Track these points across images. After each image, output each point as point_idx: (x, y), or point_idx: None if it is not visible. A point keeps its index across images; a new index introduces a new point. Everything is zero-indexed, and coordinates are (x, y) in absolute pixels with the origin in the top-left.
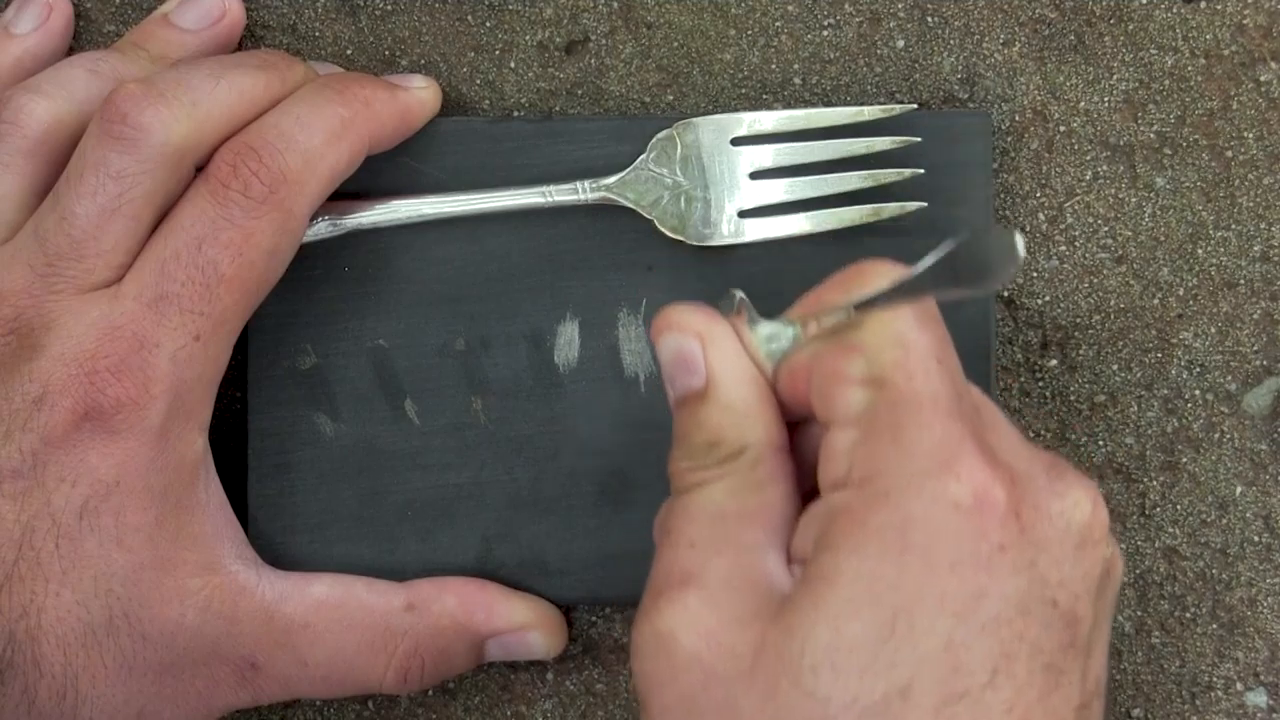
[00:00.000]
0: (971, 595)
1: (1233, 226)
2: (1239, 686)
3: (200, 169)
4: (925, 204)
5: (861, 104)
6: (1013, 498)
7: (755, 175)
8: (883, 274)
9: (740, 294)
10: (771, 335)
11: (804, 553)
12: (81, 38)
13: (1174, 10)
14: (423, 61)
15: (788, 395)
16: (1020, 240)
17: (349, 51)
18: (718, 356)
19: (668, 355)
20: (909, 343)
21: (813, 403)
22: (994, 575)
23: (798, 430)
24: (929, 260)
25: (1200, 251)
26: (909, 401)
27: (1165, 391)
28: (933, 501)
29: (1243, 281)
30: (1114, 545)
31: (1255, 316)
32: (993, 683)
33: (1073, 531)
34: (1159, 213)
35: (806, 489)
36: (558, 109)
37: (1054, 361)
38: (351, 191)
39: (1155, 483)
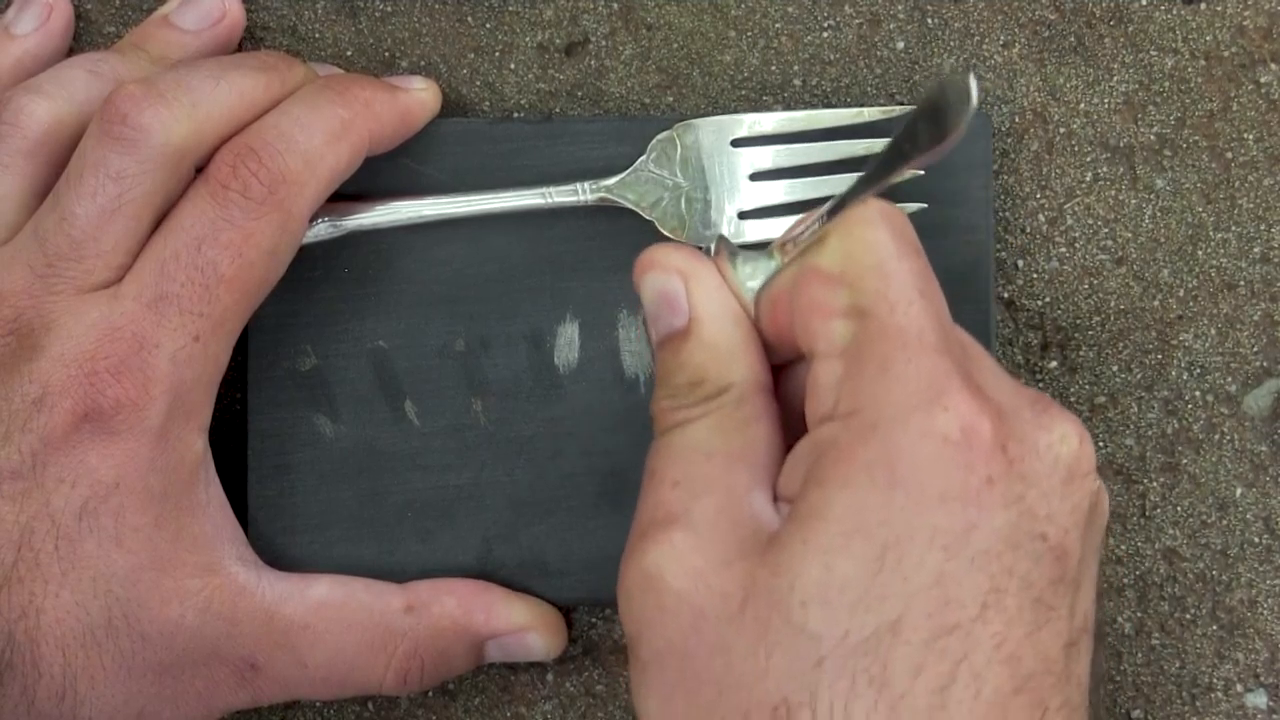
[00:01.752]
0: (961, 529)
1: (1233, 228)
2: (1239, 688)
3: (200, 170)
4: (925, 205)
5: (861, 105)
6: (1000, 431)
7: (755, 176)
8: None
9: (722, 233)
10: (753, 270)
11: (791, 491)
12: (81, 38)
13: (1174, 12)
14: (423, 63)
15: (771, 330)
16: (974, 82)
17: (349, 53)
18: (700, 295)
19: (650, 294)
20: (889, 273)
21: (796, 335)
22: (983, 509)
23: (784, 374)
24: (889, 142)
25: (1200, 253)
26: (894, 334)
27: (1165, 393)
28: (920, 435)
29: (1243, 283)
30: (1100, 480)
31: (1255, 318)
32: (982, 616)
33: (1060, 465)
34: (1159, 214)
35: (792, 434)
36: (558, 110)
37: (1054, 363)
38: (351, 192)
39: (1155, 484)
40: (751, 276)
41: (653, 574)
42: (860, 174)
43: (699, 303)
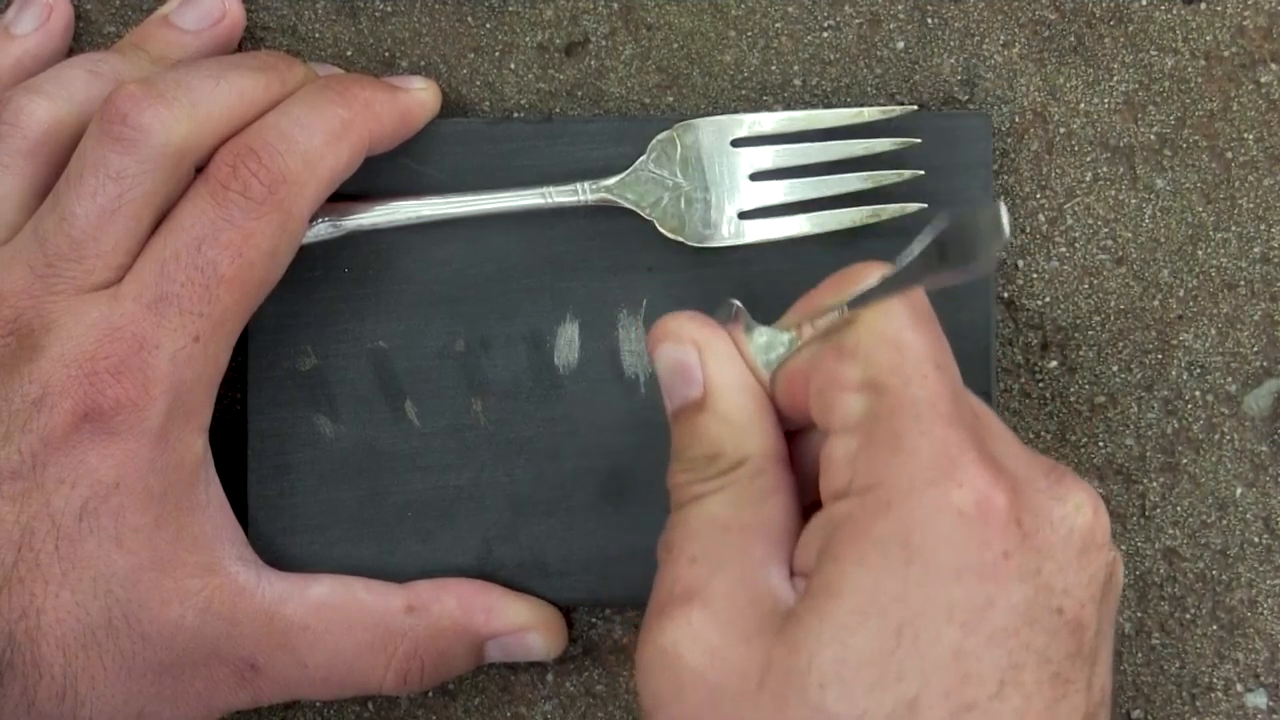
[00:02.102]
0: (978, 605)
1: (1233, 228)
2: (1239, 688)
3: (200, 170)
4: (925, 205)
5: (861, 105)
6: (1014, 504)
7: (755, 176)
8: (875, 273)
9: (737, 303)
10: (768, 342)
11: (807, 565)
12: (81, 38)
13: (1174, 12)
14: (423, 63)
15: (786, 403)
16: (1005, 212)
17: (349, 53)
18: (715, 366)
19: (665, 365)
20: (904, 345)
21: (811, 410)
22: (999, 584)
23: (797, 440)
24: (917, 247)
25: (1200, 253)
26: (908, 408)
27: (1165, 393)
28: (935, 510)
29: (1243, 283)
30: (1115, 550)
31: (1255, 318)
32: (1001, 693)
33: (1075, 537)
34: (1159, 214)
35: (807, 502)
36: (558, 110)
37: (1054, 363)
38: (351, 193)
39: (1155, 484)
40: (766, 348)
41: (670, 651)
42: (884, 276)
43: (714, 374)
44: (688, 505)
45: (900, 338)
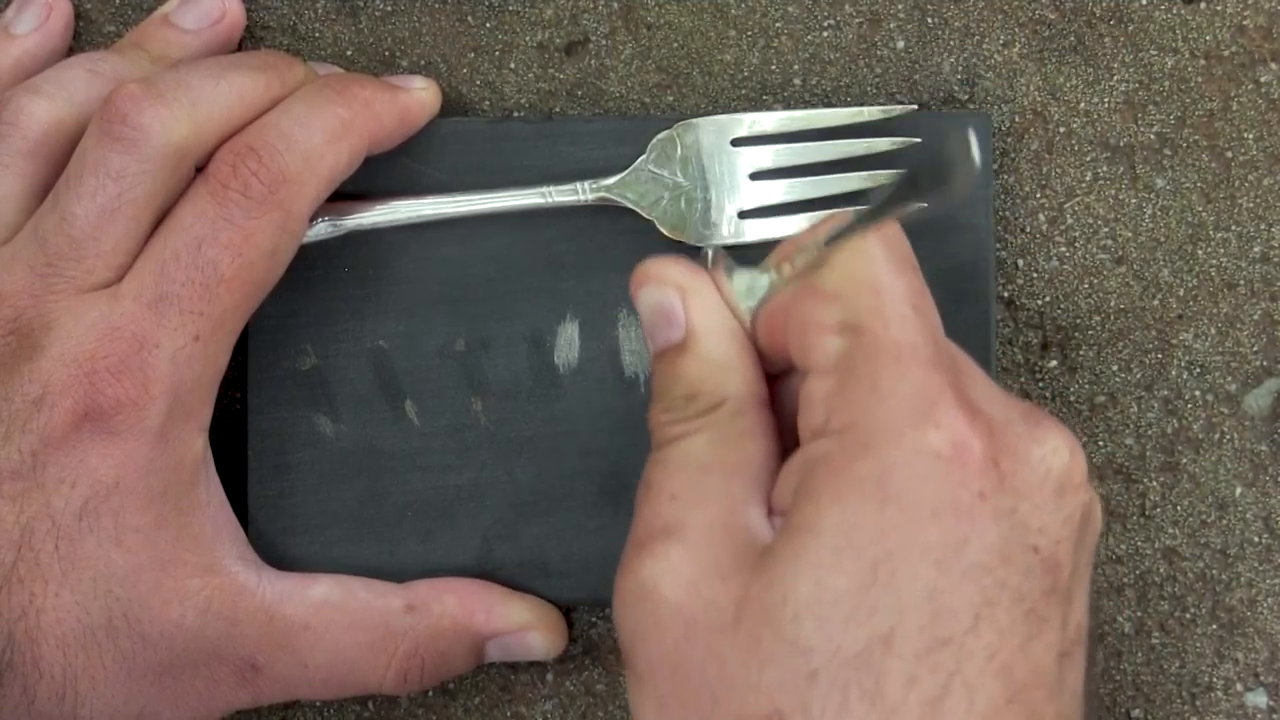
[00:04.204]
0: (953, 543)
1: (1233, 227)
2: (1239, 687)
3: (200, 169)
4: (925, 205)
5: (861, 105)
6: (991, 446)
7: (755, 176)
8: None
9: (719, 246)
10: (749, 284)
11: (784, 504)
12: (81, 38)
13: (1174, 11)
14: (423, 62)
15: (766, 344)
16: (974, 139)
17: (349, 52)
18: (697, 308)
19: (647, 308)
20: (883, 287)
21: (790, 351)
22: (975, 523)
23: (778, 384)
24: (892, 184)
25: (1200, 252)
26: (886, 349)
27: (1165, 392)
28: (912, 450)
29: (1243, 282)
30: (1092, 492)
31: (1255, 317)
32: (975, 629)
33: (1052, 477)
34: (1159, 214)
35: (788, 446)
36: (558, 110)
37: (1054, 362)
38: (351, 192)
39: (1155, 483)
40: (748, 291)
41: (648, 586)
42: (861, 209)
43: (695, 316)
44: (668, 444)
45: (879, 280)
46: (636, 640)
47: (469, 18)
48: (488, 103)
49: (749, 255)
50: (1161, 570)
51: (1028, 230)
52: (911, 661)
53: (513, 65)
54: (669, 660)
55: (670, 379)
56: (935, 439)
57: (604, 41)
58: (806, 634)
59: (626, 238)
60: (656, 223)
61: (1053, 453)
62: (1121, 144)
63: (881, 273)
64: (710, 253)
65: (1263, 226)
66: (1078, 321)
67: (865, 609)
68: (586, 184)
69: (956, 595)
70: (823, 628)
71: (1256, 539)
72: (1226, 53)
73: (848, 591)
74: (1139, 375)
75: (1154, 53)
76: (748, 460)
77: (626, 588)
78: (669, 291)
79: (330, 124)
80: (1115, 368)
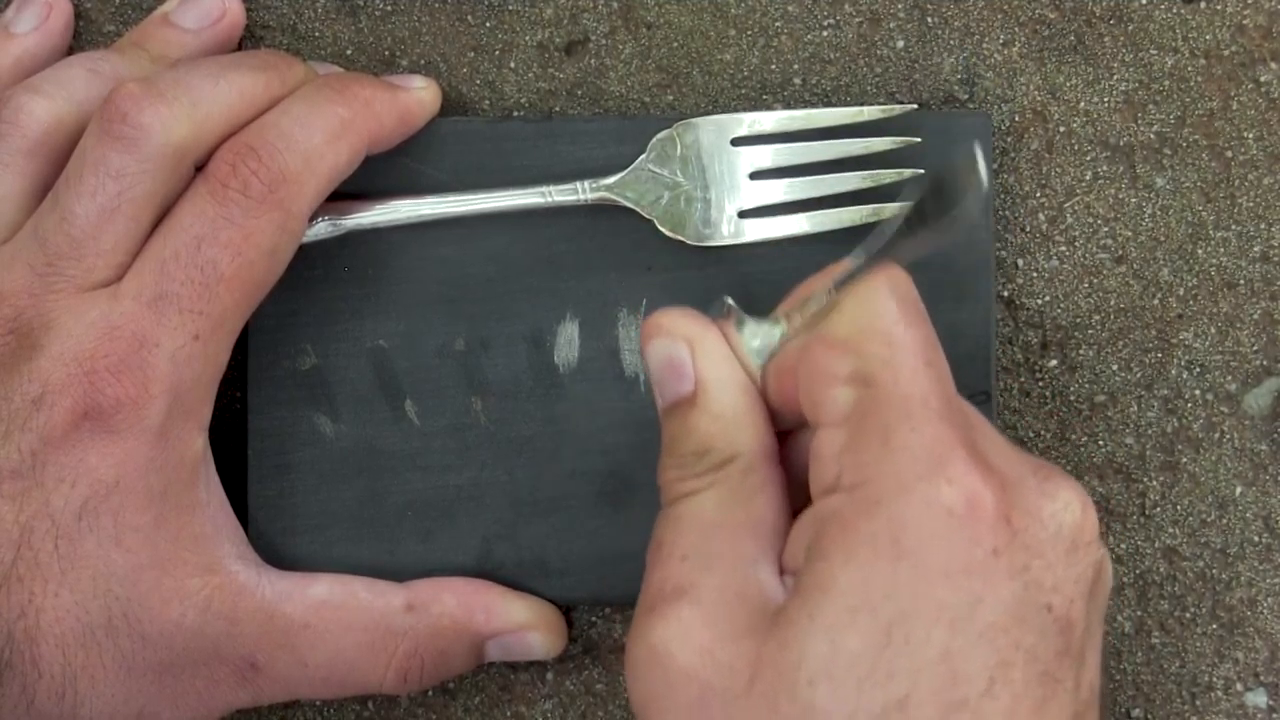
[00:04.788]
0: (967, 603)
1: (1233, 227)
2: (1239, 687)
3: (200, 169)
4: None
5: (861, 104)
6: (1003, 502)
7: (755, 175)
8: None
9: (729, 300)
10: (759, 336)
11: (797, 563)
12: (81, 38)
13: (1174, 11)
14: (423, 62)
15: (777, 398)
16: (980, 156)
17: (349, 52)
18: (707, 362)
19: (656, 361)
20: (894, 340)
21: (801, 404)
22: (988, 581)
23: (789, 440)
24: (897, 219)
25: (1200, 252)
26: (897, 402)
27: (1165, 391)
28: (924, 507)
29: (1243, 281)
30: (1104, 548)
31: (1255, 316)
32: (990, 691)
33: (1064, 534)
34: (1159, 213)
35: (800, 502)
36: (557, 109)
37: (1054, 362)
38: (351, 192)
39: (1155, 483)
40: (758, 343)
41: (660, 650)
42: (867, 247)
43: (705, 370)
44: (678, 502)
45: (890, 332)
46: (650, 705)
47: (469, 17)
48: (488, 102)
49: (750, 254)
50: (1161, 570)
51: (1028, 229)
52: None
53: (513, 65)
54: None
55: (680, 434)
56: (947, 494)
57: (604, 41)
58: (821, 698)
59: (626, 237)
60: (656, 222)
61: (1064, 509)
62: (1121, 143)
63: (893, 324)
64: (723, 306)
65: (1263, 226)
66: (1078, 321)
67: (881, 672)
68: (586, 183)
69: (971, 657)
70: (837, 691)
71: (1256, 538)
72: (1226, 52)
73: (863, 654)
74: (1139, 374)
75: (1154, 52)
76: (759, 518)
77: (638, 652)
78: (678, 345)
79: (330, 123)
80: (1115, 367)
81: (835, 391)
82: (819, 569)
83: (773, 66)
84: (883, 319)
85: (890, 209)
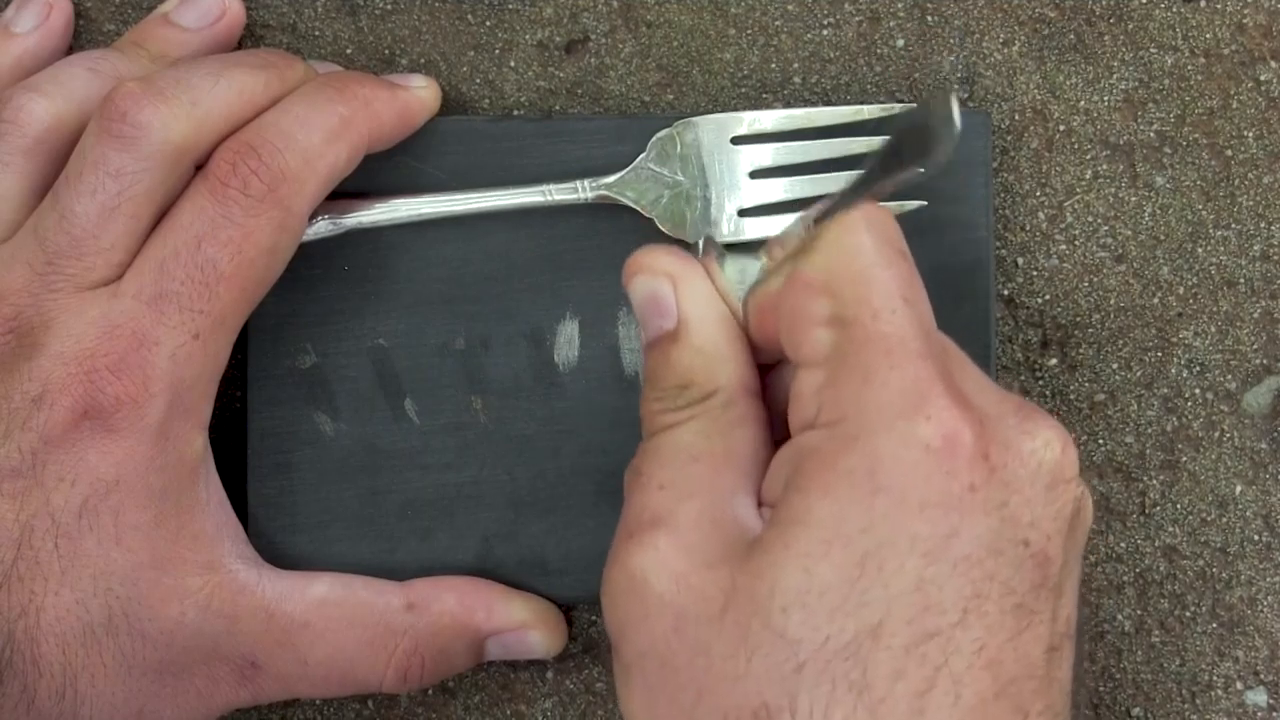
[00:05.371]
0: (942, 536)
1: (1233, 225)
2: (1239, 685)
3: (200, 167)
4: (925, 203)
5: (861, 103)
6: (982, 438)
7: (755, 174)
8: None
9: (710, 235)
10: (741, 271)
11: (775, 496)
12: (81, 37)
13: (1174, 9)
14: (423, 61)
15: (758, 335)
16: (955, 103)
17: (349, 51)
18: (689, 298)
19: (639, 297)
20: (871, 279)
21: (782, 343)
22: (964, 515)
23: (770, 375)
24: (876, 153)
25: (1200, 250)
26: (876, 342)
27: (1165, 390)
28: (902, 443)
29: (1243, 280)
30: (1084, 486)
31: (1255, 315)
32: (963, 622)
33: (1043, 471)
34: (1159, 212)
35: (780, 436)
36: (557, 108)
37: (1054, 360)
38: (351, 190)
39: (1155, 481)
40: (740, 279)
41: (636, 576)
42: (849, 180)
43: (687, 305)
44: (659, 433)
45: (867, 273)
46: (624, 631)
47: (469, 16)
48: (487, 101)
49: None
50: (1161, 568)
51: (1027, 228)
52: (899, 654)
53: (513, 63)
54: (656, 652)
55: (662, 368)
56: (925, 431)
57: (604, 40)
58: (794, 625)
59: (626, 236)
60: (656, 221)
61: (1044, 446)
62: (1121, 142)
63: (870, 264)
64: (702, 242)
65: (1263, 225)
66: (1078, 319)
67: (853, 601)
68: (586, 182)
69: (945, 588)
70: (810, 619)
71: (1256, 537)
72: (1226, 51)
73: (836, 583)
74: (1139, 373)
75: (1154, 51)
76: (738, 451)
77: (615, 578)
78: (661, 281)
79: (330, 122)
80: (1115, 366)
81: (815, 332)
82: (795, 501)
83: (772, 65)
84: (859, 259)
85: (889, 208)
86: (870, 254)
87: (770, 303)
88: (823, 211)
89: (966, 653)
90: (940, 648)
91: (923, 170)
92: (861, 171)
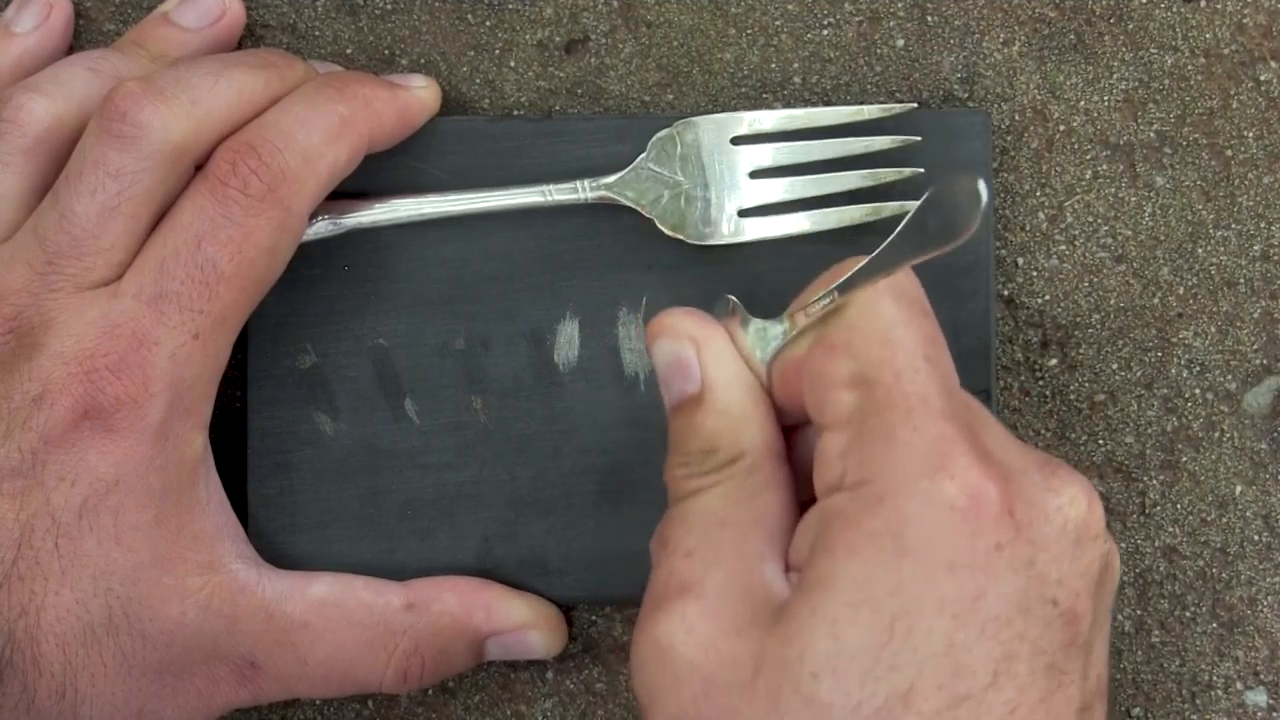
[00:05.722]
0: (970, 596)
1: (1233, 225)
2: (1239, 685)
3: (200, 167)
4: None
5: (861, 103)
6: (1007, 496)
7: (755, 174)
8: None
9: (733, 299)
10: (764, 335)
11: (801, 560)
12: (81, 37)
13: (1174, 9)
14: (423, 60)
15: (782, 397)
16: (983, 185)
17: (349, 50)
18: (713, 361)
19: (663, 361)
20: (894, 340)
21: (806, 406)
22: (992, 575)
23: (795, 436)
24: (901, 227)
25: (1200, 250)
26: (899, 402)
27: (1165, 390)
28: (927, 503)
29: (1242, 280)
30: (1110, 541)
31: (1255, 315)
32: (995, 684)
33: (1069, 528)
34: (1159, 212)
35: (806, 498)
36: (558, 108)
37: (1054, 361)
38: (351, 190)
39: (1155, 482)
40: (763, 342)
41: (664, 644)
42: (871, 256)
43: (711, 368)
44: (684, 499)
45: (889, 333)
46: (654, 698)
47: (469, 16)
48: (488, 101)
49: (749, 253)
50: (1161, 568)
51: (1027, 228)
52: (931, 718)
53: (513, 63)
54: (686, 718)
55: (686, 433)
56: (950, 490)
57: (604, 40)
58: (825, 691)
59: (626, 236)
60: (656, 221)
61: (1070, 503)
62: (1121, 142)
63: (891, 324)
64: (728, 305)
65: (1263, 225)
66: (1078, 320)
67: (884, 665)
68: (586, 182)
69: (975, 650)
70: (841, 684)
71: (1256, 537)
72: (1226, 51)
73: (865, 647)
74: (1139, 373)
75: (1154, 51)
76: (764, 515)
77: (643, 646)
78: (684, 344)
79: (330, 122)
80: (1115, 366)
81: (838, 394)
82: (822, 564)
83: (773, 65)
84: (881, 319)
85: (890, 208)
86: (892, 314)
87: (794, 366)
88: (847, 281)
89: (998, 715)
90: (972, 711)
91: (946, 246)
92: (888, 243)
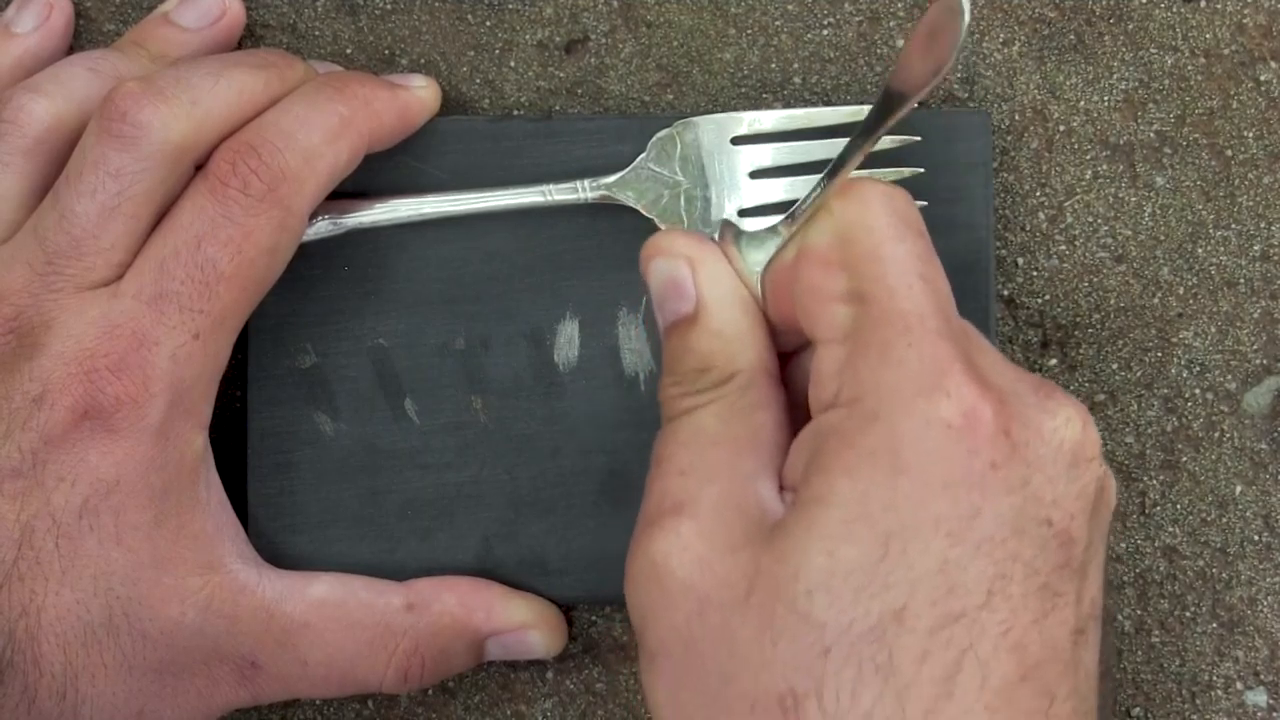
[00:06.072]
0: (965, 515)
1: (1233, 225)
2: (1239, 685)
3: (200, 167)
4: (925, 203)
5: (861, 103)
6: (1002, 416)
7: (755, 174)
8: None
9: (727, 217)
10: (759, 254)
11: (795, 478)
12: (81, 37)
13: (1174, 9)
14: (422, 60)
15: (776, 315)
16: (965, 1)
17: (349, 50)
18: (707, 280)
19: (657, 281)
20: (885, 256)
21: (799, 320)
22: (987, 494)
23: (790, 361)
24: (882, 91)
25: (1200, 250)
26: (895, 319)
27: (1165, 390)
28: (923, 421)
29: (1243, 280)
30: (1105, 465)
31: (1255, 315)
32: (989, 603)
33: (1065, 449)
34: (1159, 212)
35: (799, 422)
36: (558, 108)
37: (1054, 360)
38: (351, 190)
39: (1155, 481)
40: (758, 261)
41: (658, 563)
42: (860, 127)
43: (705, 288)
44: (678, 418)
45: (881, 249)
46: (648, 618)
47: (469, 16)
48: (487, 101)
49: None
50: (1161, 569)
51: (1028, 228)
52: (924, 637)
53: (513, 63)
54: (680, 638)
55: (681, 352)
56: (946, 408)
57: (604, 40)
58: (819, 608)
59: (626, 236)
60: (656, 221)
61: (1065, 424)
62: (1121, 142)
63: (883, 240)
64: (721, 224)
65: (1263, 225)
66: (1078, 320)
67: (878, 583)
68: (586, 182)
69: (969, 569)
70: (835, 602)
71: (1256, 537)
72: (1226, 51)
73: (860, 565)
74: (1139, 373)
75: (1154, 51)
76: (758, 434)
77: (637, 565)
78: (679, 263)
79: (330, 122)
80: (1115, 366)
81: (832, 309)
82: (817, 482)
83: (772, 65)
84: (873, 236)
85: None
86: (884, 230)
87: (785, 278)
88: (836, 162)
89: (992, 635)
90: (965, 630)
91: (933, 77)
92: (872, 108)
